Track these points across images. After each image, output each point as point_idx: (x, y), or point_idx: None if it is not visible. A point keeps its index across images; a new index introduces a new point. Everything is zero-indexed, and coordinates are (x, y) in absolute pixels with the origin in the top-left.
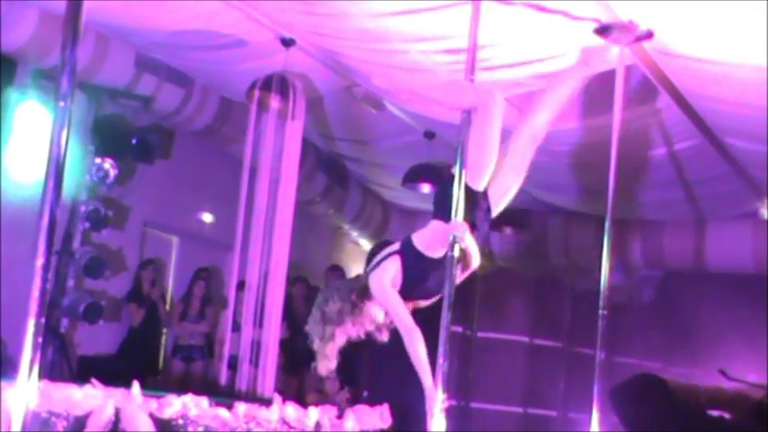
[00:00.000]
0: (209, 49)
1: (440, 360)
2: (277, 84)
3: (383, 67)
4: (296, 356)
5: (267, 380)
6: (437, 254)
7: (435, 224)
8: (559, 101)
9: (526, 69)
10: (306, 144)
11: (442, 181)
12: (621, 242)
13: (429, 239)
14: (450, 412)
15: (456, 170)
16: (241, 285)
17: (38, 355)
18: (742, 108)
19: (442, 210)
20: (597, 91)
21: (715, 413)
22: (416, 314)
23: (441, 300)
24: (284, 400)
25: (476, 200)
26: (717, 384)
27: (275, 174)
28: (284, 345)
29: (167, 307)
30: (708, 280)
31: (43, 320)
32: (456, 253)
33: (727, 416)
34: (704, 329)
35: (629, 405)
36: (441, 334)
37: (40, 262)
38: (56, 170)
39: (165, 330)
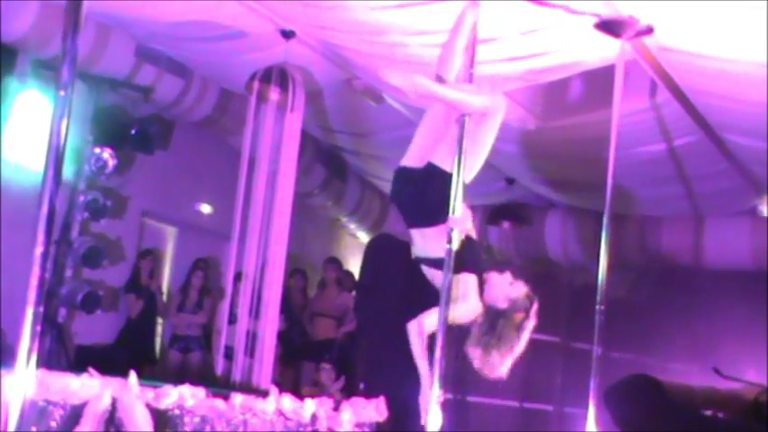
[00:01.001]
0: (210, 41)
1: (437, 354)
2: (276, 75)
3: (383, 60)
4: (292, 348)
5: (264, 371)
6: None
7: (433, 232)
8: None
9: (526, 63)
10: (305, 136)
11: (419, 184)
12: (619, 238)
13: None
14: (446, 406)
15: (455, 167)
16: (238, 276)
17: (36, 344)
18: (742, 104)
19: (437, 213)
20: (596, 85)
21: (709, 412)
22: (414, 307)
23: (438, 293)
24: (280, 391)
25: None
26: (711, 384)
27: (274, 165)
28: (281, 336)
29: (164, 298)
30: (706, 276)
31: (41, 309)
32: (455, 246)
33: (721, 415)
34: (702, 326)
35: (623, 405)
36: (438, 328)
37: (39, 251)
38: (55, 159)
39: (160, 321)
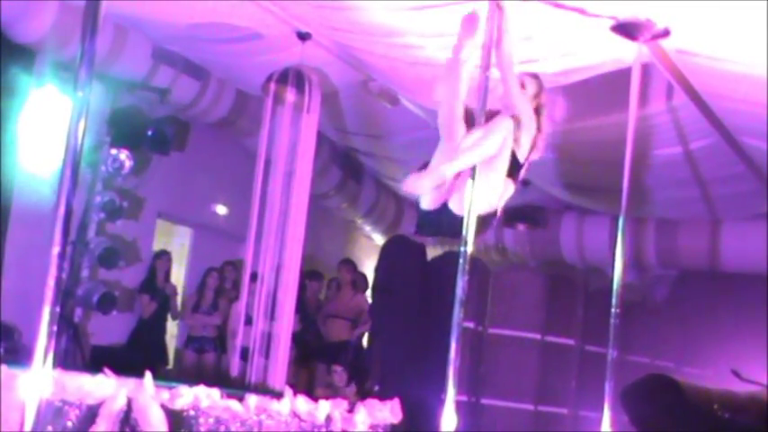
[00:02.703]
0: (226, 42)
1: (451, 356)
2: (293, 77)
3: (397, 62)
4: (307, 350)
5: (279, 372)
6: None
7: None
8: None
9: (542, 66)
10: (320, 138)
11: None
12: (635, 241)
13: None
14: (460, 408)
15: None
16: (253, 277)
17: (52, 344)
18: (759, 107)
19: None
20: (611, 88)
21: (727, 415)
22: (429, 309)
23: (453, 295)
24: (295, 393)
25: None
26: (728, 387)
27: (290, 167)
28: (295, 338)
29: (179, 299)
30: (722, 280)
31: (58, 309)
32: (469, 248)
33: (739, 418)
34: (718, 329)
35: (640, 405)
36: (453, 329)
37: (56, 251)
38: (72, 160)
39: (170, 322)
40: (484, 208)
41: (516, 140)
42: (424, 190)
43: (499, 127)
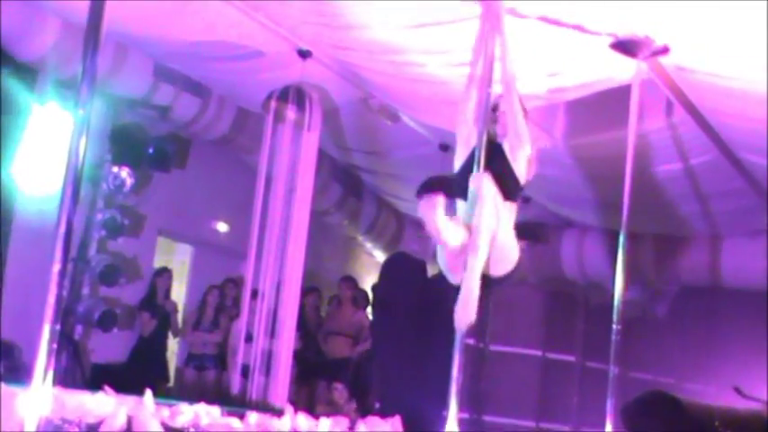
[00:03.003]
0: (227, 60)
1: (454, 372)
2: (293, 95)
3: (397, 79)
4: (307, 367)
5: (280, 390)
6: None
7: None
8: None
9: (544, 83)
10: (321, 155)
11: None
12: (636, 257)
13: None
14: (462, 425)
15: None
16: (254, 294)
17: (52, 362)
18: (758, 123)
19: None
20: (611, 105)
21: None
22: (430, 325)
23: (454, 312)
24: (296, 410)
25: None
26: (730, 405)
27: (290, 184)
28: (296, 355)
29: (180, 316)
30: (723, 296)
31: (58, 327)
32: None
33: None
34: (719, 346)
35: (641, 422)
36: (455, 345)
37: (56, 268)
38: (74, 177)
39: (174, 339)
40: (514, 260)
41: (515, 159)
42: (475, 311)
43: (484, 194)
